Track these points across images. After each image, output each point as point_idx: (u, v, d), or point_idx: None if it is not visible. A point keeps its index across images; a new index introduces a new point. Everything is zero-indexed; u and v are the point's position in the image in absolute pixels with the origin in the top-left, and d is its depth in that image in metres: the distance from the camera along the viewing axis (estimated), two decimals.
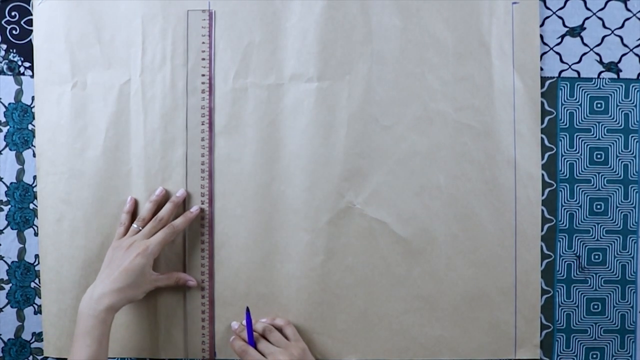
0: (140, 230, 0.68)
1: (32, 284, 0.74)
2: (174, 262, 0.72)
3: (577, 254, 0.71)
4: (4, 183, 0.73)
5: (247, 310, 0.69)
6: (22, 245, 0.74)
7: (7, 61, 0.72)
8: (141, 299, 0.69)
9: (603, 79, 0.70)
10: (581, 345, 0.71)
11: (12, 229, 0.74)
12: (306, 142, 0.70)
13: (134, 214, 0.71)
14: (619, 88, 0.70)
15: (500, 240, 0.70)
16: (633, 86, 0.70)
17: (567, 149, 0.70)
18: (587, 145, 0.70)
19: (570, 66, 0.70)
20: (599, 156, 0.70)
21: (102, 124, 0.71)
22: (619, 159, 0.70)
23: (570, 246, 0.71)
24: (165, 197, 0.70)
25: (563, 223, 0.71)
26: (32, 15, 0.72)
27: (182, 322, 0.72)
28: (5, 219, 0.74)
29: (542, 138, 0.70)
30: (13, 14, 0.72)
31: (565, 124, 0.70)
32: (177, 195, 0.70)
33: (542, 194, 0.70)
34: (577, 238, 0.71)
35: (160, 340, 0.72)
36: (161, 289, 0.70)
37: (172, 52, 0.70)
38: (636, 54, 0.70)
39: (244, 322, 0.70)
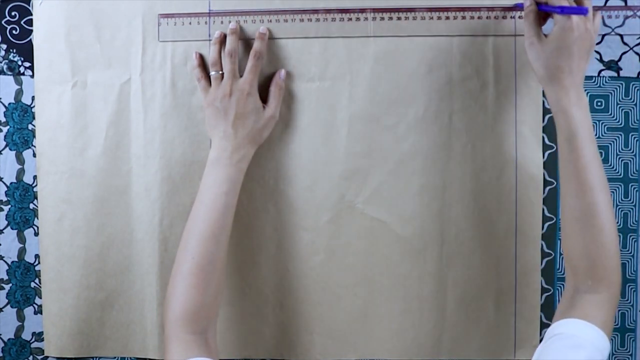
0: (221, 73, 0.67)
1: (32, 284, 0.74)
2: None
3: None
4: (4, 183, 0.73)
5: None
6: (22, 245, 0.74)
7: (7, 61, 0.72)
8: (140, 297, 0.69)
9: (603, 77, 0.70)
10: None
11: (12, 229, 0.74)
12: (307, 142, 0.70)
13: (203, 67, 0.70)
14: (619, 86, 0.70)
15: (500, 241, 0.70)
16: (633, 85, 0.70)
17: None
18: None
19: None
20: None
21: (102, 123, 0.71)
22: (619, 158, 0.70)
23: None
24: (224, 36, 0.68)
25: None
26: (32, 15, 0.72)
27: None
28: (5, 219, 0.74)
29: (542, 136, 0.70)
30: (13, 14, 0.72)
31: None
32: (231, 27, 0.68)
33: (543, 193, 0.70)
34: None
35: (159, 340, 0.72)
36: (166, 288, 0.70)
37: (172, 51, 0.70)
38: (636, 53, 0.70)
39: None
